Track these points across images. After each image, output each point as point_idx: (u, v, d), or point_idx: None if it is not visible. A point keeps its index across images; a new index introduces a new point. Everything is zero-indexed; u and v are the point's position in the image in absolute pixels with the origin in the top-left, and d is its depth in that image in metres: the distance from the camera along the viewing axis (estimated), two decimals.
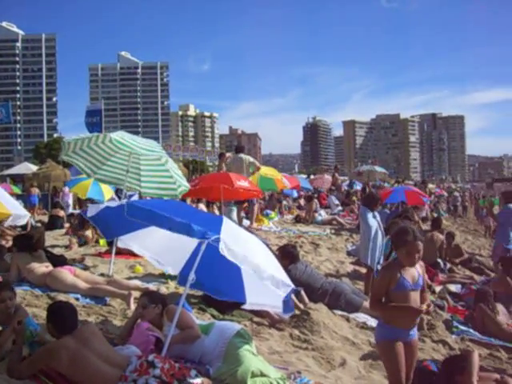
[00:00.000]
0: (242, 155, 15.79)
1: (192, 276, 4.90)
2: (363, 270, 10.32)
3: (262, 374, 4.99)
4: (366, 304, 7.80)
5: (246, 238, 5.51)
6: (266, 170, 19.06)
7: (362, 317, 7.81)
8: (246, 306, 5.92)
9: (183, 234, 4.70)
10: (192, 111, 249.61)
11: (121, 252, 9.53)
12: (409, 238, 4.53)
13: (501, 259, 10.49)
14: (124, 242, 6.04)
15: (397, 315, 4.56)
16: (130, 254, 9.61)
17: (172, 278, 8.05)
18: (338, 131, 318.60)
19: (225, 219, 5.27)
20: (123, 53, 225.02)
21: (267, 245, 10.61)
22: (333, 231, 17.04)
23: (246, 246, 5.00)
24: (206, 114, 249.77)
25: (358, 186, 29.01)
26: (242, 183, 14.81)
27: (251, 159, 16.08)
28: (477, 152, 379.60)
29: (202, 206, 17.10)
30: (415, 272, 4.62)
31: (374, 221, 9.43)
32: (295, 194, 26.40)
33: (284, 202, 23.00)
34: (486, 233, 27.96)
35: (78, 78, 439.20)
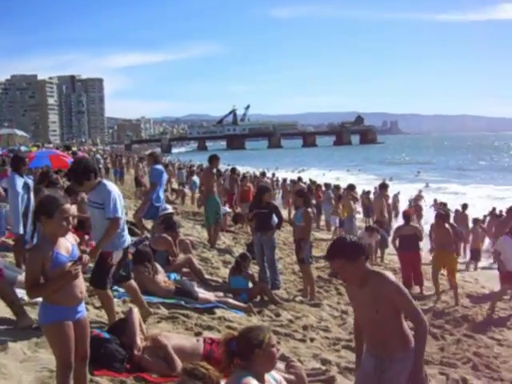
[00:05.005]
0: None
1: None
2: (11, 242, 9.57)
3: None
4: (21, 278, 7.15)
5: None
6: None
7: (19, 292, 7.12)
8: None
9: None
10: None
11: None
12: (63, 202, 4.24)
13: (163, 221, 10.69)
14: None
15: (58, 290, 4.14)
16: None
17: None
18: None
19: None
20: None
21: None
22: None
23: None
24: None
25: None
26: None
27: None
28: (116, 114, 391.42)
29: None
30: (68, 243, 4.28)
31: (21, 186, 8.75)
32: None
33: None
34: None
35: None
